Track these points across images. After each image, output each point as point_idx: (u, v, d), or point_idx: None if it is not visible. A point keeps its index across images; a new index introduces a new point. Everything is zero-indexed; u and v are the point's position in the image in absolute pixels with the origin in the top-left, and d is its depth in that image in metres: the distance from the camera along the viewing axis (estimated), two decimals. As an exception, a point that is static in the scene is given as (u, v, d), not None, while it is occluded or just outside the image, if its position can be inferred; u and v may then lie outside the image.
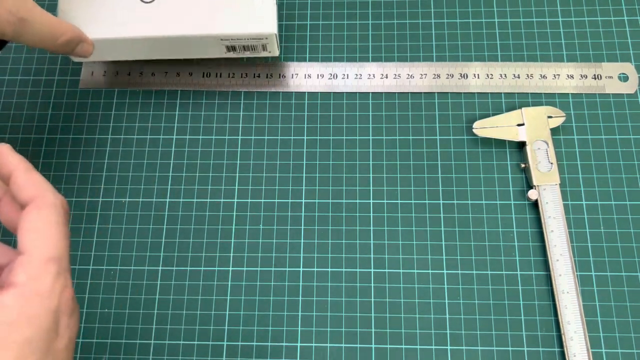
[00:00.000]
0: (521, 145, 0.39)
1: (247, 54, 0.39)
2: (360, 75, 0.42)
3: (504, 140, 0.40)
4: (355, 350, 0.36)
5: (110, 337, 0.37)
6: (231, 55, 0.39)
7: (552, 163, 0.38)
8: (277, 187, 0.40)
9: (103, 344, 0.37)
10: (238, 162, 0.40)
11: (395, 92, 0.42)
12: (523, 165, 0.39)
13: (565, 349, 0.35)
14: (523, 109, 0.39)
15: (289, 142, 0.41)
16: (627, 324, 0.36)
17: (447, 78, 0.41)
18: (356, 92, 0.42)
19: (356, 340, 0.36)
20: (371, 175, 0.40)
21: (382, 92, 0.42)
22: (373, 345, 0.36)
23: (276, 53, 0.39)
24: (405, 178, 0.39)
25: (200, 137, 0.41)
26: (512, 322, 0.36)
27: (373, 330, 0.36)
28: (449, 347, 0.36)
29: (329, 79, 0.42)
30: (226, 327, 0.37)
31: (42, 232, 0.22)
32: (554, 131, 0.40)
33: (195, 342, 0.36)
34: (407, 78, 0.42)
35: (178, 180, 0.40)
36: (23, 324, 0.20)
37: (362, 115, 0.41)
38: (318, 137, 0.41)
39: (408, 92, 0.42)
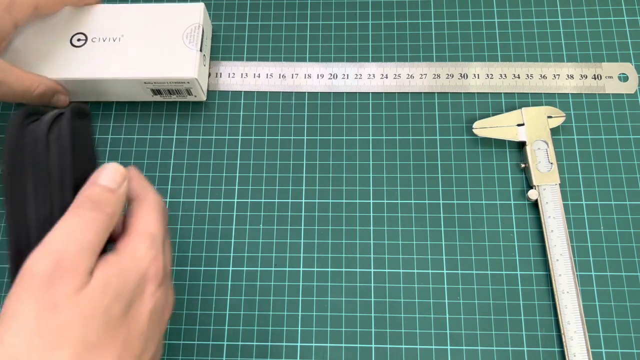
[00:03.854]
0: (521, 145, 0.39)
1: (174, 98, 0.41)
2: (360, 75, 0.42)
3: (504, 140, 0.40)
4: (355, 350, 0.36)
5: (110, 337, 0.37)
6: (158, 98, 0.41)
7: (552, 163, 0.38)
8: (277, 187, 0.40)
9: (103, 344, 0.37)
10: (238, 162, 0.40)
11: (395, 92, 0.42)
12: (523, 165, 0.39)
13: (565, 349, 0.35)
14: (523, 109, 0.39)
15: (289, 142, 0.41)
16: (627, 324, 0.36)
17: (447, 78, 0.41)
18: (356, 92, 0.42)
19: (356, 340, 0.36)
20: (371, 175, 0.40)
21: (382, 92, 0.42)
22: (373, 345, 0.36)
23: (202, 98, 0.41)
24: (405, 178, 0.39)
25: (201, 137, 0.41)
26: (512, 322, 0.36)
27: (373, 330, 0.36)
28: (449, 347, 0.36)
29: (329, 79, 0.42)
30: (226, 327, 0.37)
31: (143, 216, 0.28)
32: (554, 131, 0.40)
33: (195, 342, 0.36)
34: (407, 78, 0.42)
35: (178, 180, 0.40)
36: (117, 276, 0.25)
37: (362, 115, 0.41)
38: (318, 137, 0.41)
39: (408, 92, 0.42)
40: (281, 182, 0.40)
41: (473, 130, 0.39)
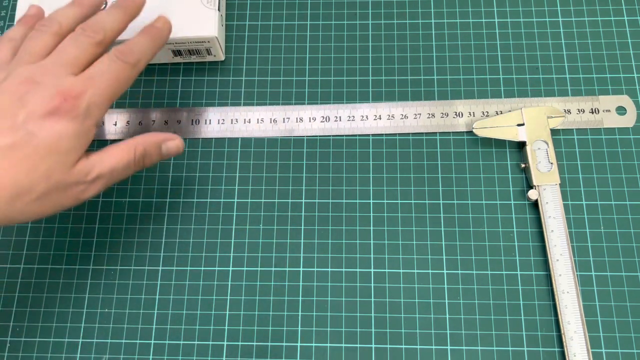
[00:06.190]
0: (521, 145, 0.39)
1: (194, 58, 0.42)
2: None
3: (504, 140, 0.40)
4: (355, 350, 0.36)
5: (110, 337, 0.37)
6: (178, 59, 0.42)
7: (552, 163, 0.38)
8: (277, 187, 0.40)
9: (103, 343, 0.37)
10: (238, 162, 0.40)
11: (394, 95, 0.42)
12: (523, 165, 0.39)
13: (565, 349, 0.35)
14: (523, 109, 0.39)
15: (289, 141, 0.41)
16: (627, 324, 0.36)
17: (441, 117, 0.40)
18: (356, 91, 0.42)
19: (356, 340, 0.36)
20: (371, 175, 0.40)
21: (382, 94, 0.42)
22: (373, 345, 0.36)
23: (221, 57, 0.42)
24: (405, 178, 0.39)
25: (200, 137, 0.41)
26: (512, 322, 0.36)
27: (373, 330, 0.36)
28: (449, 347, 0.36)
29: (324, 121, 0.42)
30: (226, 327, 0.37)
31: None
32: (554, 131, 0.40)
33: (195, 342, 0.36)
34: (402, 119, 0.42)
35: (178, 180, 0.40)
36: None
37: (362, 115, 0.41)
38: (318, 137, 0.41)
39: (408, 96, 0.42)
40: (281, 182, 0.40)
41: (473, 130, 0.39)
